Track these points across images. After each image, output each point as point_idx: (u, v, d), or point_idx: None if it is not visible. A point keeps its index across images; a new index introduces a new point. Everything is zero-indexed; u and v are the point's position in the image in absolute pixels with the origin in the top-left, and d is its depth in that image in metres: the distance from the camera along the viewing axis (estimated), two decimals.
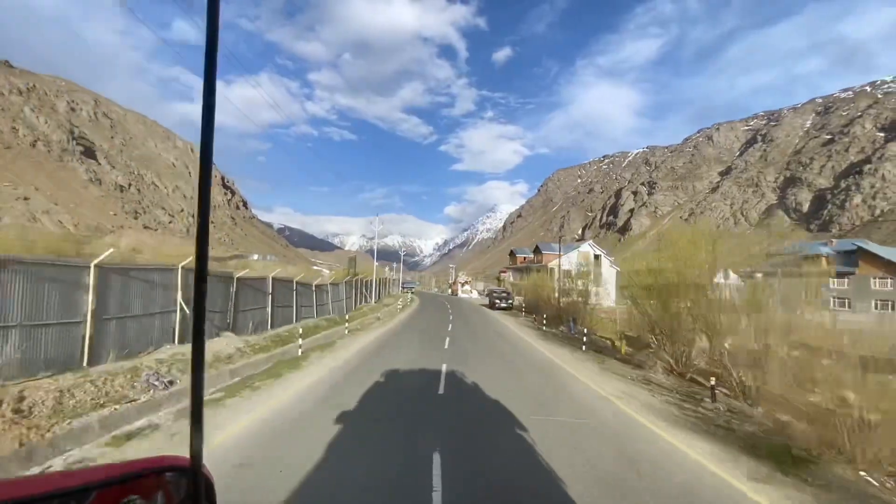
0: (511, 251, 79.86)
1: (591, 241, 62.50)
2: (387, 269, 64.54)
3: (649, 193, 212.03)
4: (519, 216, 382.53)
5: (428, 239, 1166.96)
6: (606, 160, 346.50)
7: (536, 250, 64.44)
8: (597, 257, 53.52)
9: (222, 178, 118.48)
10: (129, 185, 70.89)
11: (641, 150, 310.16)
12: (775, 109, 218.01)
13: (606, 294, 47.02)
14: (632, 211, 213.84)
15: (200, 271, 0.89)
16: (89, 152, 71.19)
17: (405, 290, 69.61)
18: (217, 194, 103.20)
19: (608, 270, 51.64)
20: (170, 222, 71.12)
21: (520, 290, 47.95)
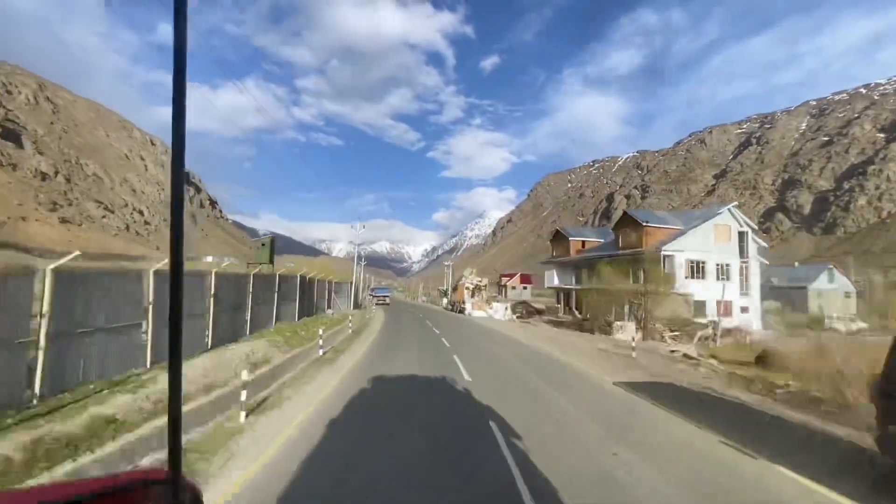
0: (556, 232, 47.22)
1: (732, 206, 34.38)
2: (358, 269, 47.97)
3: (643, 197, 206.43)
4: (509, 221, 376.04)
5: (416, 245, 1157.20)
6: (596, 165, 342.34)
7: (626, 222, 34.79)
8: (742, 236, 33.33)
9: (187, 174, 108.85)
10: (57, 173, 61.33)
11: (632, 154, 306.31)
12: (768, 112, 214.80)
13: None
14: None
15: (176, 283, 0.82)
16: (12, 135, 61.39)
17: (376, 299, 51.78)
18: None
19: (754, 261, 33.69)
20: (103, 217, 61.45)
21: (578, 302, 34.08)
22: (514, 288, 71.08)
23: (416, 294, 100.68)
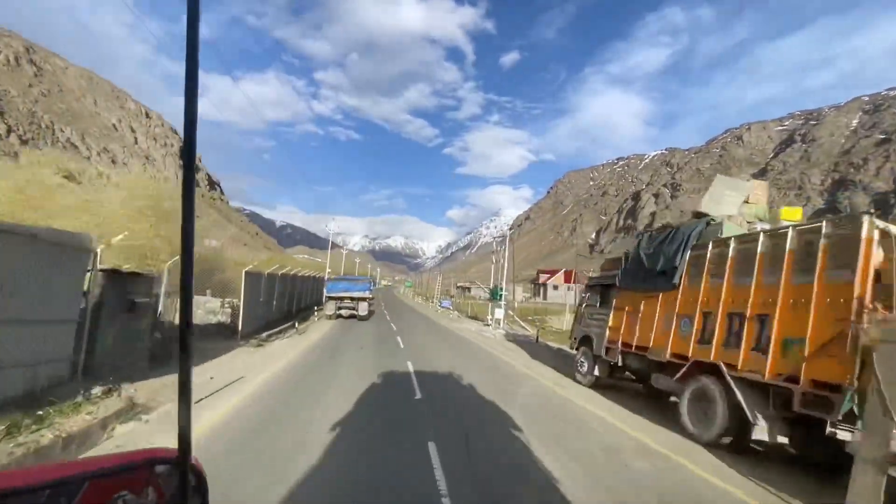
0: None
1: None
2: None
3: (673, 196, 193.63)
4: (527, 219, 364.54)
5: (431, 241, 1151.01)
6: (621, 162, 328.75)
7: None
8: None
9: (180, 149, 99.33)
10: (10, 132, 54.37)
11: (660, 151, 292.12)
12: (814, 109, 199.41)
13: None
14: (653, 214, 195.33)
15: (186, 278, 0.85)
16: None
17: (335, 304, 25.50)
18: (171, 165, 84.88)
19: None
20: (60, 185, 54.40)
21: None
22: (555, 287, 60.01)
23: (430, 293, 75.51)
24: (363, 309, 25.60)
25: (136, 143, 77.54)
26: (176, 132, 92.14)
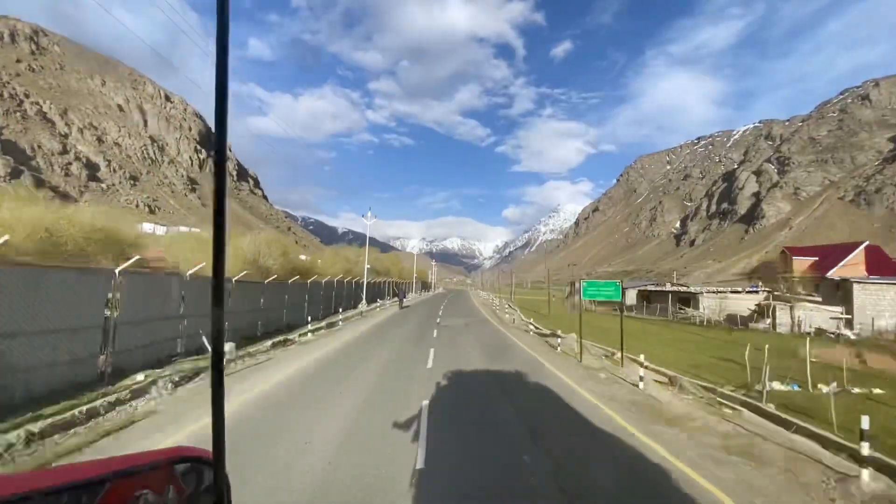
0: None
1: None
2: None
3: (781, 172, 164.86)
4: (595, 210, 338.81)
5: (488, 241, 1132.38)
6: (703, 142, 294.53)
7: None
8: None
9: (199, 132, 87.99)
10: None
11: (753, 125, 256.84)
12: None
13: None
14: (757, 195, 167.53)
15: (218, 289, 0.84)
16: None
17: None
18: (180, 144, 76.62)
19: None
20: (10, 173, 47.04)
21: None
22: (850, 284, 30.02)
23: (496, 300, 51.04)
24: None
25: (145, 124, 71.09)
26: (201, 118, 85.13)
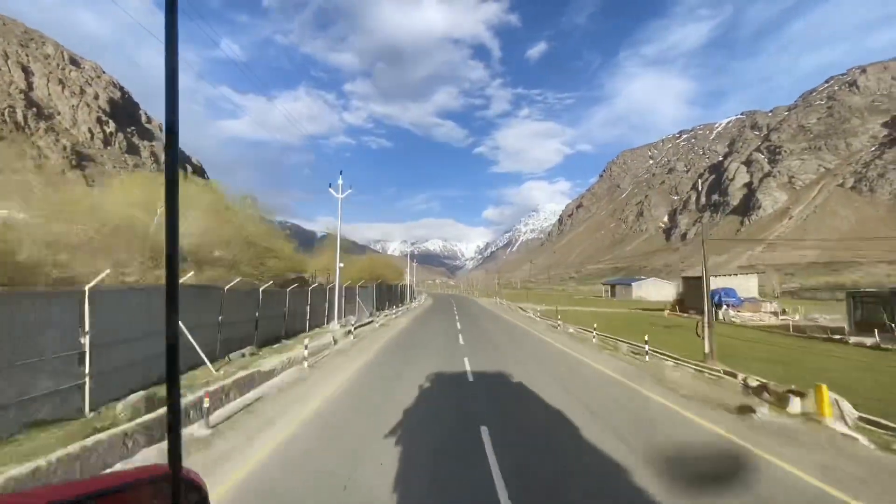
0: None
1: None
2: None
3: (772, 161, 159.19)
4: (579, 207, 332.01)
5: (469, 242, 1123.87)
6: (685, 135, 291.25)
7: None
8: None
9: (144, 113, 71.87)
10: None
11: (736, 116, 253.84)
12: None
13: None
14: (749, 185, 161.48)
15: (172, 297, 0.82)
16: None
17: None
18: (77, 113, 60.22)
19: None
20: None
21: None
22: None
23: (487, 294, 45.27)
24: None
25: (29, 87, 56.41)
26: (118, 86, 71.10)
